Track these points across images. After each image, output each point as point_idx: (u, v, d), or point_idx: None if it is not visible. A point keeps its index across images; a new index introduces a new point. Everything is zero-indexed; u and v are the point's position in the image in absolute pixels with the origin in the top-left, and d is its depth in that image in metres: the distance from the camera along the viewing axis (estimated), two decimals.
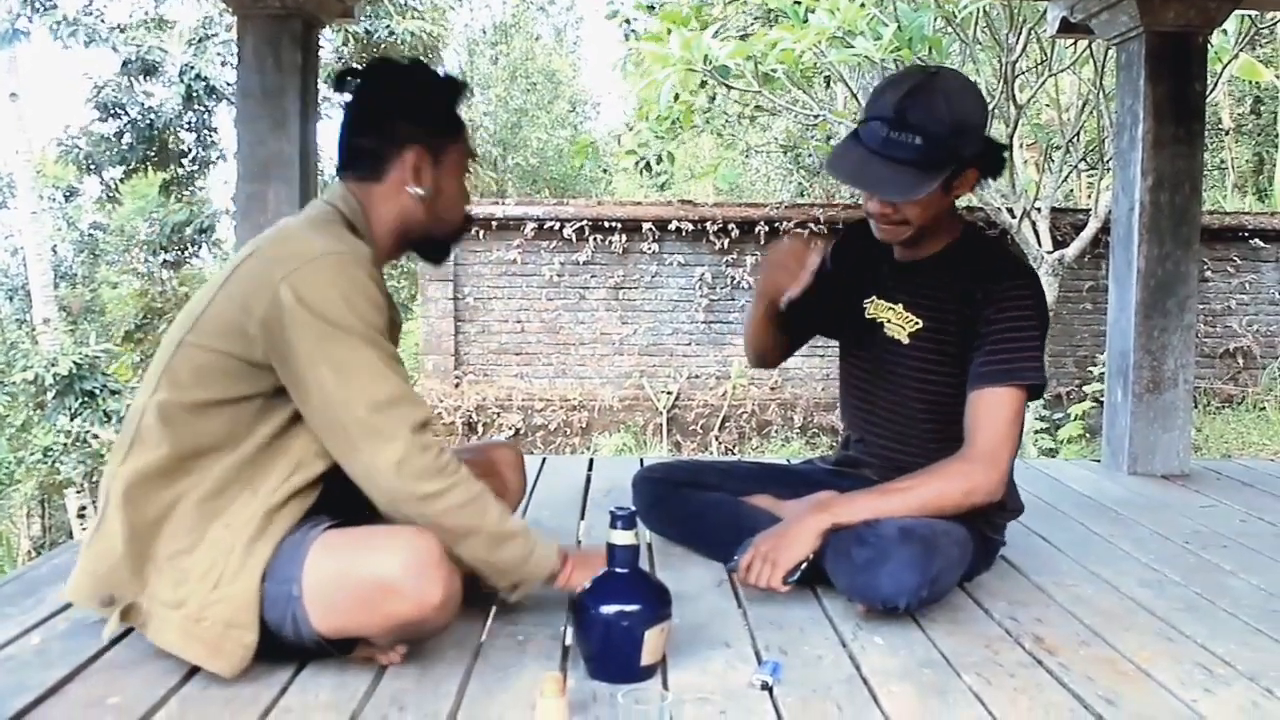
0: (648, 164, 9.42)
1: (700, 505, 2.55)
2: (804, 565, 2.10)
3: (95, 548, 1.78)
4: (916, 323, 2.33)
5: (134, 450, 1.79)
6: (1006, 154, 2.35)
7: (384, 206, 1.93)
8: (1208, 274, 10.03)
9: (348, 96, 1.97)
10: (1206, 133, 4.28)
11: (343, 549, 1.72)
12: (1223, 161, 14.78)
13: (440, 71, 2.05)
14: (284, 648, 1.76)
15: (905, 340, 2.34)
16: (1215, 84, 7.74)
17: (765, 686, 1.77)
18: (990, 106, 8.12)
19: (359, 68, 2.00)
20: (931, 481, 2.16)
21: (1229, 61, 7.55)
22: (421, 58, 12.32)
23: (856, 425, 2.54)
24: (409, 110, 1.93)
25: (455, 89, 2.01)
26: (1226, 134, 14.62)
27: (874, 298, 2.43)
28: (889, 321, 2.38)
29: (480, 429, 9.74)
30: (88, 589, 1.79)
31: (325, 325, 1.70)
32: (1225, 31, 7.30)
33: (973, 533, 2.24)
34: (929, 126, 2.10)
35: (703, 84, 7.95)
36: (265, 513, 1.75)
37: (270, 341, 1.73)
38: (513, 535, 1.84)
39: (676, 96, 8.20)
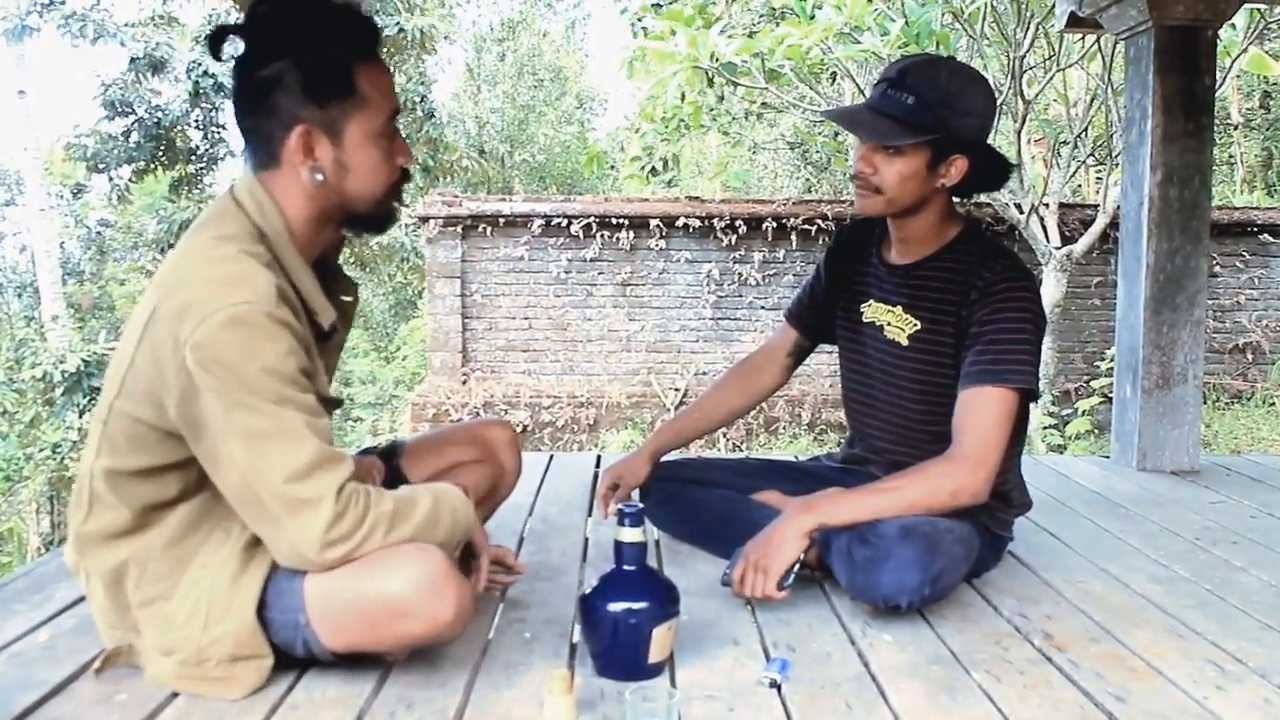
0: (654, 169, 9.42)
1: (708, 502, 2.54)
2: (796, 567, 2.09)
3: (92, 602, 1.78)
4: (915, 324, 2.32)
5: (94, 513, 1.72)
6: (1012, 170, 2.35)
7: (290, 195, 1.71)
8: (1217, 269, 10.01)
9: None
10: (1215, 127, 4.27)
11: (345, 572, 1.63)
12: (1231, 156, 14.75)
13: (338, 16, 1.69)
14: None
15: (904, 342, 2.34)
16: (1224, 78, 7.71)
17: (774, 684, 1.76)
18: (999, 102, 8.11)
19: (236, 23, 1.70)
20: (917, 482, 2.14)
21: (1238, 56, 7.53)
22: (424, 53, 12.34)
23: (859, 426, 2.54)
24: (288, 81, 1.65)
25: (348, 35, 1.70)
26: (1235, 129, 14.58)
27: (871, 301, 2.43)
28: (888, 324, 2.37)
29: None
30: (105, 637, 1.79)
31: (233, 394, 1.54)
32: (1234, 25, 7.28)
33: (978, 528, 2.24)
34: (923, 89, 2.17)
35: (710, 82, 7.95)
36: (244, 548, 1.69)
37: (184, 416, 1.59)
38: (437, 518, 1.71)
39: (683, 96, 8.20)
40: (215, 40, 1.72)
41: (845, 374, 2.55)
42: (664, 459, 2.67)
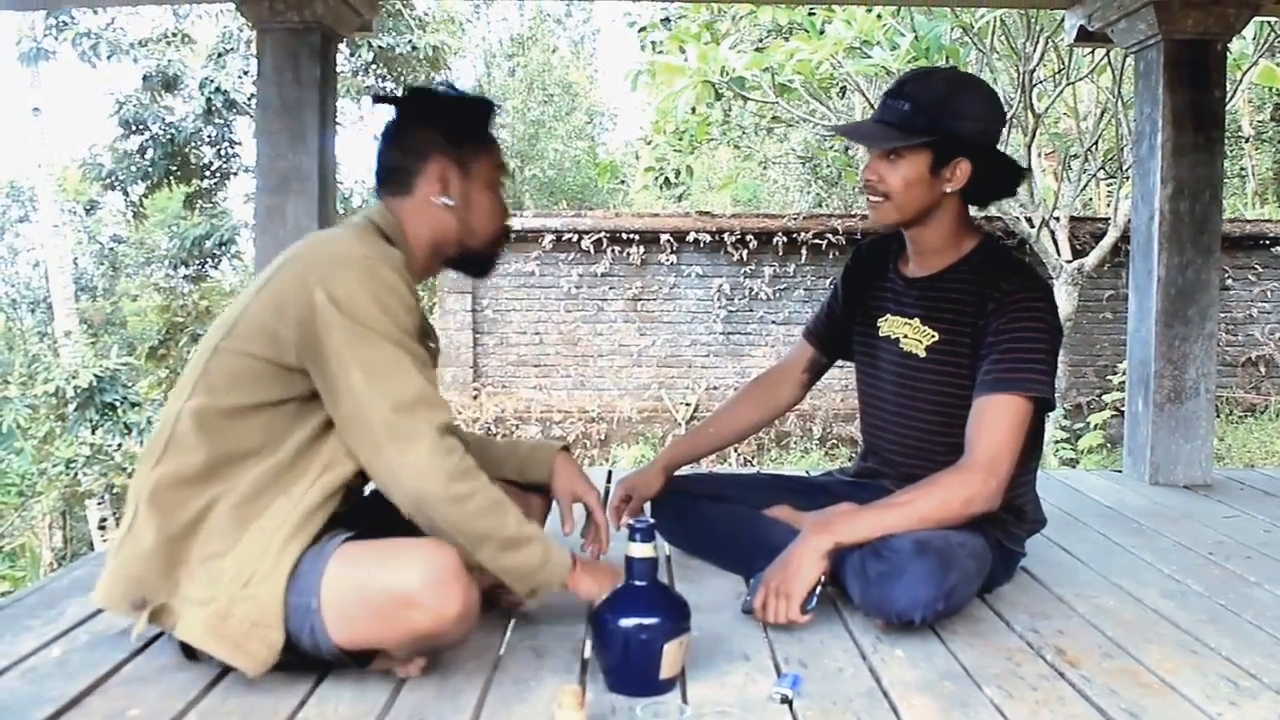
0: (666, 179, 9.44)
1: (719, 517, 2.54)
2: (818, 589, 2.09)
3: (125, 551, 1.79)
4: (933, 335, 2.33)
5: (167, 455, 1.80)
6: (1024, 174, 2.39)
7: (416, 220, 1.98)
8: (1229, 282, 9.97)
9: (383, 115, 2.04)
10: (1226, 140, 4.26)
11: (361, 562, 1.72)
12: (1243, 169, 14.69)
13: (469, 96, 2.10)
14: (303, 659, 1.77)
15: (922, 354, 2.35)
16: (1235, 91, 7.70)
17: (785, 700, 1.76)
18: (1008, 116, 8.10)
19: (395, 93, 2.10)
20: (931, 493, 2.14)
21: (1249, 68, 7.52)
22: (434, 70, 12.42)
23: (873, 439, 2.54)
24: (437, 125, 1.99)
25: (484, 106, 2.06)
26: (1246, 141, 14.53)
27: (888, 315, 2.44)
28: (905, 336, 2.38)
29: None
30: (119, 593, 1.78)
31: (356, 326, 1.73)
32: (1245, 37, 7.27)
33: (990, 543, 2.23)
34: (918, 96, 2.25)
35: (719, 96, 7.96)
36: (300, 516, 1.76)
37: (304, 344, 1.76)
38: (529, 540, 1.82)
39: (693, 110, 8.22)
40: (379, 100, 2.05)
41: (861, 388, 2.56)
42: (676, 474, 2.67)
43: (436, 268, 2.08)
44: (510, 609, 2.18)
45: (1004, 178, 2.34)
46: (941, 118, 2.21)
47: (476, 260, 2.10)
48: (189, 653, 1.83)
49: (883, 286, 2.48)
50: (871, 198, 2.30)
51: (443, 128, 1.99)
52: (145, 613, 1.75)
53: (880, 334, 2.45)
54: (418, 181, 1.98)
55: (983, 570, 2.19)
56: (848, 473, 2.67)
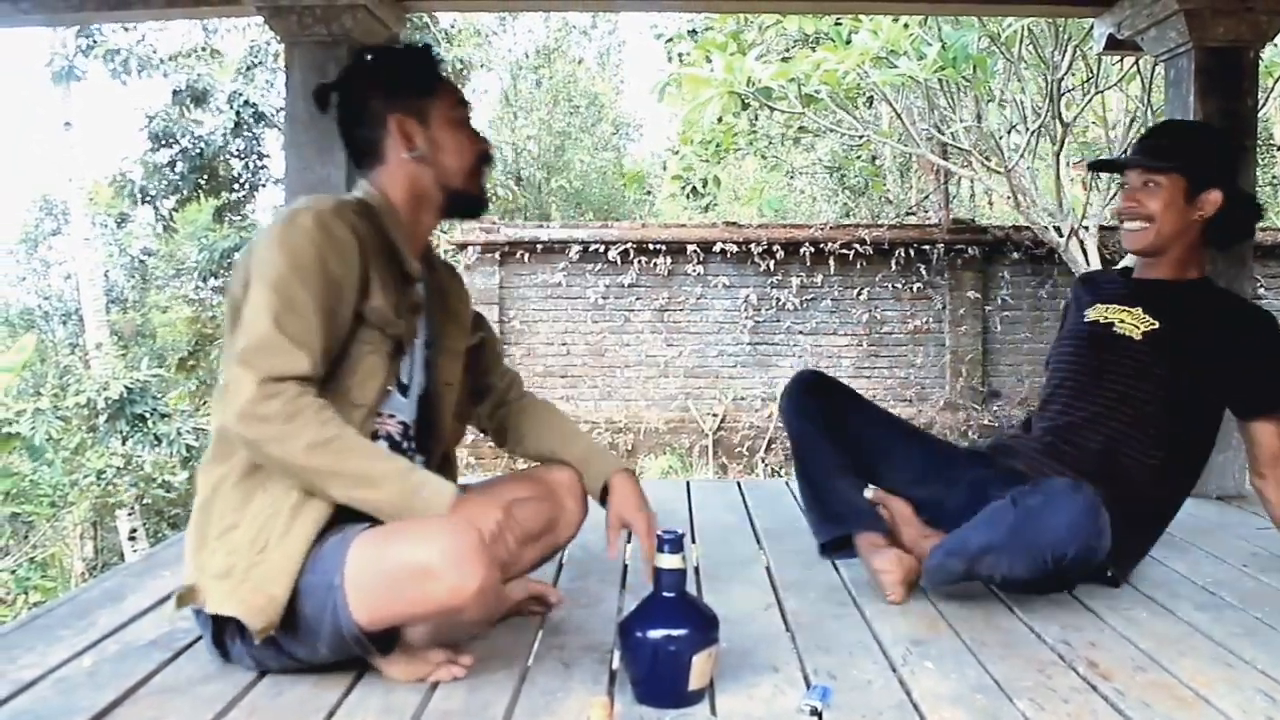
0: (694, 188, 9.45)
1: (823, 472, 2.52)
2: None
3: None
4: (1153, 324, 2.52)
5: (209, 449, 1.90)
6: (1263, 214, 2.72)
7: (396, 182, 2.03)
8: (1261, 291, 9.88)
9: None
10: (1258, 149, 4.22)
11: (384, 539, 1.75)
12: (1275, 178, 14.56)
13: (407, 49, 2.15)
14: (324, 663, 1.80)
15: (1138, 337, 2.52)
16: (1266, 99, 7.64)
17: (814, 712, 1.75)
18: (1036, 125, 8.07)
19: (329, 83, 2.10)
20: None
21: None
22: (458, 82, 12.51)
23: (1056, 416, 2.60)
24: (382, 88, 2.04)
25: (421, 54, 2.12)
26: (1278, 150, 14.41)
27: (1096, 304, 2.64)
28: (1120, 321, 2.57)
29: None
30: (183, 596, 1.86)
31: (256, 271, 1.81)
32: (1277, 45, 7.22)
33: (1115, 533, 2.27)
34: (1170, 134, 2.71)
35: (745, 106, 7.96)
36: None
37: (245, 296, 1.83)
38: (384, 476, 1.78)
39: (720, 120, 8.23)
40: (320, 96, 2.08)
41: (1059, 372, 2.67)
42: (828, 377, 2.67)
43: (432, 220, 2.09)
44: (537, 620, 2.18)
45: (1247, 214, 2.61)
46: (1193, 149, 2.54)
47: (462, 199, 2.10)
48: (222, 651, 1.88)
49: (1102, 289, 2.70)
50: (1129, 224, 2.55)
51: (388, 88, 2.04)
52: (178, 592, 1.83)
53: (1087, 319, 2.63)
54: (386, 146, 2.02)
55: (1106, 539, 2.21)
56: (988, 444, 2.74)
